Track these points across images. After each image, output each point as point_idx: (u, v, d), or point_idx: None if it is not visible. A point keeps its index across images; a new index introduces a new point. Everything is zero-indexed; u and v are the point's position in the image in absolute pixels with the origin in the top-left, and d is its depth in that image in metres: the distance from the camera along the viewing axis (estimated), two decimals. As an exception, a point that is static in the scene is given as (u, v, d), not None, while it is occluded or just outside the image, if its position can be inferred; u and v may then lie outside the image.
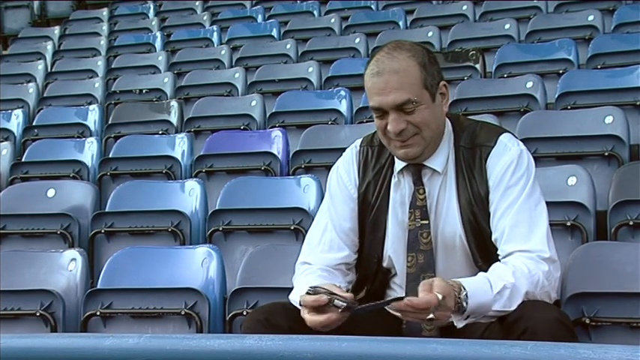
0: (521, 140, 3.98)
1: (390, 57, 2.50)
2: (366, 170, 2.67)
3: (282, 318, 2.46)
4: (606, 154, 4.01)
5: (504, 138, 2.59)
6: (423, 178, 2.59)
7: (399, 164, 2.62)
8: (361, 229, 2.66)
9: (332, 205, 2.69)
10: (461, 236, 2.55)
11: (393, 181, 2.63)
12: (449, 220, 2.57)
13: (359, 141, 2.74)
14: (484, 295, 2.33)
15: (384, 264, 2.64)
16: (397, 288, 2.66)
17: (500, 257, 2.49)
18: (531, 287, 2.39)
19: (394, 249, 2.62)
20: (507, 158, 2.54)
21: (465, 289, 2.31)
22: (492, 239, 2.52)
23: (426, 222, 2.57)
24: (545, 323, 2.26)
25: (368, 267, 2.66)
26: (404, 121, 2.48)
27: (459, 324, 2.34)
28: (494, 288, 2.34)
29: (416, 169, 2.59)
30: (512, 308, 2.35)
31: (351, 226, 2.66)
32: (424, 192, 2.58)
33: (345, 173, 2.69)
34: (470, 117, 2.93)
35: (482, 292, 2.34)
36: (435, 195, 2.58)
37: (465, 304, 2.30)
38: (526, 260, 2.43)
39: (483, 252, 2.54)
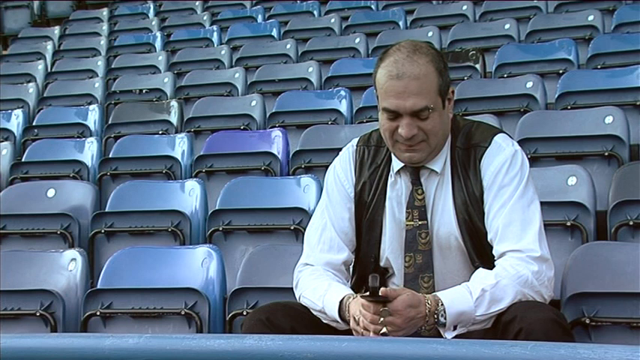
0: (521, 140, 4.03)
1: (410, 60, 2.49)
2: (362, 170, 2.67)
3: (284, 318, 2.46)
4: (606, 154, 4.01)
5: (499, 138, 2.59)
6: (420, 178, 2.60)
7: (396, 164, 2.62)
8: (358, 229, 2.66)
9: (330, 204, 2.69)
10: (456, 236, 2.56)
11: (390, 180, 2.63)
12: (444, 221, 2.57)
13: (355, 140, 2.74)
14: (463, 303, 2.37)
15: (382, 264, 2.64)
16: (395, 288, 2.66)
17: (494, 258, 2.50)
18: (519, 287, 2.40)
19: (392, 249, 2.61)
20: (501, 158, 2.54)
21: (442, 302, 2.36)
22: (488, 239, 2.52)
23: (425, 222, 2.57)
24: (540, 323, 2.27)
25: (366, 267, 2.66)
26: (416, 127, 2.49)
27: (448, 335, 2.36)
28: (473, 294, 2.38)
29: (414, 170, 2.59)
30: (500, 308, 2.37)
31: (348, 225, 2.66)
32: (423, 192, 2.58)
33: (342, 172, 2.69)
34: (466, 117, 2.93)
35: (461, 300, 2.38)
36: (431, 195, 2.59)
37: (442, 317, 2.35)
38: (515, 261, 2.44)
39: (479, 252, 2.54)
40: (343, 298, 2.48)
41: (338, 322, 2.48)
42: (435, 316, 2.36)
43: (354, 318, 2.40)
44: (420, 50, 2.52)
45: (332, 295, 2.51)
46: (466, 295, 2.38)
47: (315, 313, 2.54)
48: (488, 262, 2.51)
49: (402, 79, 2.47)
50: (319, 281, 2.57)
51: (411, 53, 2.50)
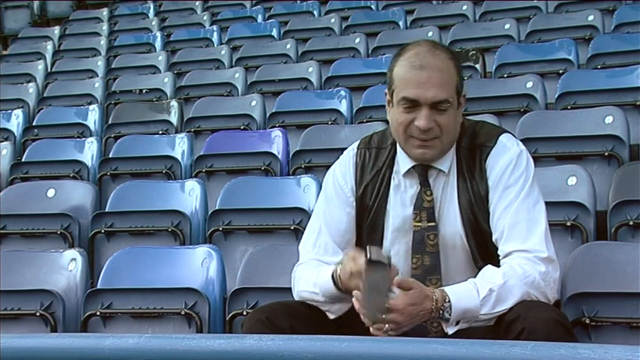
0: (521, 140, 4.00)
1: (432, 54, 2.52)
2: (363, 173, 2.65)
3: (284, 318, 2.46)
4: (606, 154, 4.01)
5: (504, 138, 2.59)
6: (429, 179, 2.59)
7: (404, 165, 2.60)
8: (359, 232, 2.65)
9: (327, 208, 2.67)
10: (462, 237, 2.55)
11: (393, 183, 2.62)
12: (450, 221, 2.56)
13: (356, 143, 2.72)
14: (470, 300, 2.36)
15: None
16: (396, 290, 2.65)
17: (500, 257, 2.50)
18: (526, 288, 2.39)
19: (395, 251, 2.60)
20: (506, 158, 2.54)
21: (448, 299, 2.36)
22: (493, 239, 2.52)
23: (433, 224, 2.56)
24: (542, 323, 2.27)
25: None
26: (433, 120, 2.49)
27: (450, 330, 2.36)
28: (480, 292, 2.37)
29: (423, 170, 2.58)
30: (504, 308, 2.36)
31: (346, 228, 2.64)
32: (431, 193, 2.57)
33: (341, 177, 2.67)
34: (467, 117, 2.93)
35: (468, 298, 2.37)
36: (438, 196, 2.58)
37: (447, 313, 2.35)
38: (523, 261, 2.43)
39: (484, 252, 2.53)
40: (333, 273, 2.49)
41: (340, 296, 2.48)
42: (441, 311, 2.35)
43: (349, 271, 2.40)
44: (439, 47, 2.58)
45: (322, 275, 2.52)
46: (473, 294, 2.37)
47: (320, 305, 2.54)
48: (493, 262, 2.49)
49: (425, 70, 2.49)
50: (309, 271, 2.58)
51: (432, 48, 2.55)
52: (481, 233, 2.53)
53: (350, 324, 2.49)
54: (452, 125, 2.53)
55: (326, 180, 2.73)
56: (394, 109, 2.55)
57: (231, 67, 7.11)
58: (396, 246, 2.60)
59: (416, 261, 2.58)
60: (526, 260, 2.43)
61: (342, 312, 2.53)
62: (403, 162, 2.61)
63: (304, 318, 2.51)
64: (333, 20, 7.82)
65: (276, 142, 4.90)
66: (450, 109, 2.51)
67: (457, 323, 2.37)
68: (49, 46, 8.71)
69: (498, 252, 2.50)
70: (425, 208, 2.57)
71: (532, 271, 2.41)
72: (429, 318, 2.37)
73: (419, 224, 2.57)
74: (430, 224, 2.56)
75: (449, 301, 2.36)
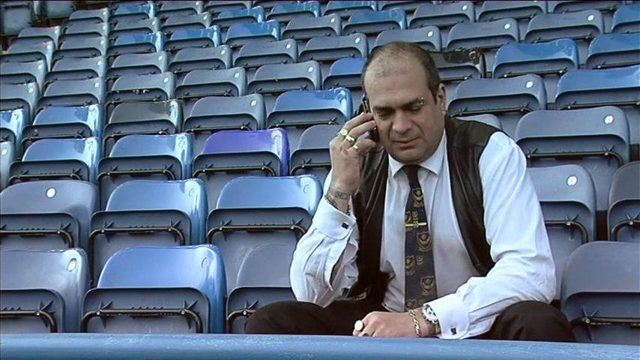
0: (521, 140, 4.03)
1: (395, 57, 2.51)
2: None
3: (288, 318, 2.45)
4: (606, 154, 4.01)
5: (495, 137, 2.58)
6: (419, 180, 2.59)
7: (394, 167, 2.61)
8: (359, 236, 2.65)
9: None
10: (458, 238, 2.54)
11: (387, 185, 2.62)
12: (445, 222, 2.56)
13: None
14: (451, 301, 2.36)
15: (382, 269, 2.64)
16: (395, 292, 2.66)
17: (492, 259, 2.49)
18: (513, 286, 2.38)
19: (391, 254, 2.60)
20: (499, 157, 2.54)
21: (427, 305, 2.36)
22: (487, 239, 2.52)
23: (424, 224, 2.56)
24: (541, 323, 2.26)
25: (367, 271, 2.65)
26: (409, 121, 2.49)
27: (446, 337, 2.34)
28: (461, 292, 2.37)
29: (412, 171, 2.58)
30: (495, 302, 2.35)
31: None
32: (421, 193, 2.57)
33: None
34: (466, 117, 2.93)
35: (449, 299, 2.37)
36: (431, 197, 2.58)
37: (430, 315, 2.32)
38: (511, 262, 2.42)
39: (481, 252, 2.53)
40: (326, 196, 2.52)
41: (338, 217, 2.49)
42: (424, 315, 2.33)
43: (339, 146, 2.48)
44: (403, 48, 2.55)
45: (316, 215, 2.54)
46: (453, 296, 2.38)
47: (324, 254, 2.51)
48: (490, 262, 2.50)
49: (389, 75, 2.48)
50: (299, 250, 2.57)
51: (395, 51, 2.53)
52: (477, 233, 2.53)
53: (347, 322, 2.49)
54: (431, 121, 2.52)
55: (325, 184, 2.73)
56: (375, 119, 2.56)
57: (231, 67, 7.11)
58: (392, 249, 2.60)
59: (409, 262, 2.57)
60: (515, 262, 2.42)
61: (340, 252, 2.50)
62: (394, 164, 2.61)
63: (309, 318, 2.49)
64: (333, 20, 7.82)
65: (276, 142, 4.90)
66: (425, 106, 2.50)
67: (454, 332, 2.35)
68: (49, 46, 8.71)
69: (490, 253, 2.50)
70: (416, 209, 2.57)
71: (520, 272, 2.40)
72: (414, 328, 2.34)
73: (411, 225, 2.57)
74: (422, 224, 2.56)
75: (428, 306, 2.36)
